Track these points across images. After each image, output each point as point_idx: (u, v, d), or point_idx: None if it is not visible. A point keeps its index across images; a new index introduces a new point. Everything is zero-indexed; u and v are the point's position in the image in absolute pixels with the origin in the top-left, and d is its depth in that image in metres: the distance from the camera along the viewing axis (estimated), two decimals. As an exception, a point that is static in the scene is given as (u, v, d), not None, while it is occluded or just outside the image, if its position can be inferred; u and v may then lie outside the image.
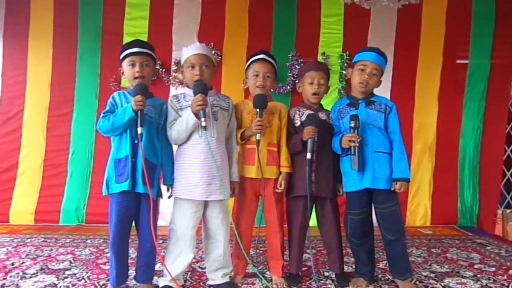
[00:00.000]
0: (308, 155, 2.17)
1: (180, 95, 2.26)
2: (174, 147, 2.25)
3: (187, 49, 2.22)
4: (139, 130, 1.98)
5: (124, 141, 2.07)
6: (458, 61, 4.11)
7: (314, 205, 2.38)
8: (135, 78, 2.12)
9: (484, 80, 4.08)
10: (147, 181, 1.98)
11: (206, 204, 2.22)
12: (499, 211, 4.08)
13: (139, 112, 1.99)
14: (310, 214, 2.33)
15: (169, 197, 2.24)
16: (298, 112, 2.38)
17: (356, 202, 2.26)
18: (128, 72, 2.15)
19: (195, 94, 2.07)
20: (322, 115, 2.36)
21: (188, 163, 2.14)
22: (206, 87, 2.11)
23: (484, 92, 4.08)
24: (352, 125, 2.14)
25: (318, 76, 2.33)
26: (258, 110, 2.20)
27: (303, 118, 2.32)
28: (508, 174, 4.31)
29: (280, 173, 2.33)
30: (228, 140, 2.29)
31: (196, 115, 2.05)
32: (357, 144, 2.12)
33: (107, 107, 2.13)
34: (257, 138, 2.18)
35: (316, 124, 2.22)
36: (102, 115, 2.09)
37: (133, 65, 2.13)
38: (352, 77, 2.32)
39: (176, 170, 2.19)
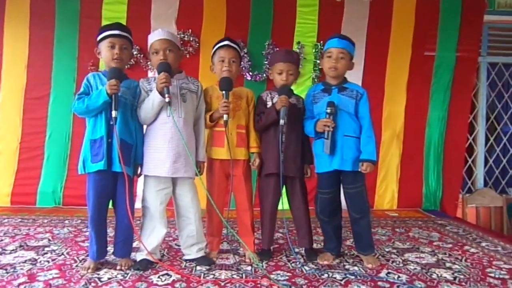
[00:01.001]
0: (281, 122, 2.30)
1: (151, 78, 2.36)
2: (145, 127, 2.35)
3: (151, 36, 2.31)
4: (114, 113, 2.06)
5: (99, 122, 2.14)
6: (426, 53, 4.30)
7: (284, 184, 2.51)
8: (113, 59, 2.18)
9: (449, 72, 4.30)
10: (122, 160, 2.08)
11: (175, 182, 2.32)
12: (461, 196, 4.34)
13: (113, 96, 2.06)
14: (281, 190, 2.46)
15: (139, 175, 2.33)
16: (269, 95, 2.51)
17: (326, 182, 2.41)
18: (107, 54, 2.19)
19: (159, 73, 2.17)
20: (292, 99, 2.47)
21: (155, 141, 2.24)
22: (170, 67, 2.20)
23: (449, 83, 4.31)
24: (329, 111, 2.26)
25: (287, 67, 2.44)
26: (224, 92, 2.31)
27: (274, 100, 2.45)
28: (470, 161, 4.58)
29: (249, 154, 2.48)
30: (196, 122, 2.39)
31: (161, 92, 2.15)
32: (331, 129, 2.26)
33: (82, 89, 2.19)
34: (225, 119, 2.30)
35: (289, 93, 2.36)
36: (76, 97, 2.15)
37: (112, 47, 2.18)
38: (323, 66, 2.46)
39: (145, 148, 2.28)
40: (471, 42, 4.30)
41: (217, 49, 2.45)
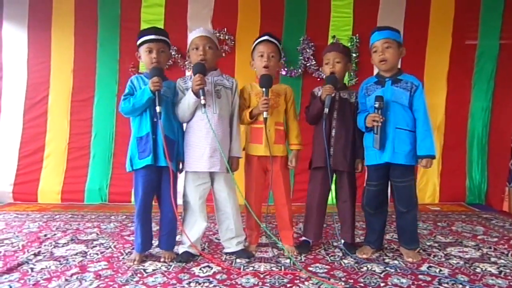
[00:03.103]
0: (325, 110, 2.32)
1: (187, 77, 2.44)
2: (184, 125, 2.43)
3: (192, 33, 2.40)
4: (158, 109, 2.16)
5: (145, 120, 2.25)
6: (467, 42, 4.16)
7: (334, 177, 2.53)
8: (152, 63, 2.27)
9: (493, 60, 4.14)
10: (167, 155, 2.17)
11: (213, 177, 2.40)
12: (507, 189, 4.16)
13: (156, 93, 2.15)
14: (330, 183, 2.48)
15: (180, 171, 2.42)
16: (321, 90, 2.49)
17: (374, 175, 2.40)
18: (145, 58, 2.30)
19: (194, 75, 2.24)
20: (343, 94, 2.48)
21: (193, 138, 2.32)
22: (204, 68, 2.26)
23: (493, 73, 4.14)
24: (376, 105, 2.24)
25: (333, 56, 2.46)
26: (264, 89, 2.34)
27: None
28: (517, 153, 4.38)
29: (287, 150, 2.51)
30: (231, 117, 2.44)
31: (196, 94, 2.21)
32: (380, 124, 2.23)
33: (127, 90, 2.30)
34: (264, 116, 2.33)
35: (334, 83, 2.37)
36: (122, 97, 2.26)
37: (150, 51, 2.28)
38: (373, 63, 2.41)
39: (184, 145, 2.37)
40: (516, 28, 4.11)
41: (256, 44, 2.49)
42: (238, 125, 2.47)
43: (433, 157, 2.25)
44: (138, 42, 2.32)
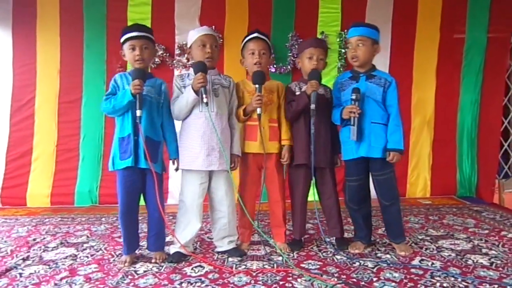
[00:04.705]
0: (312, 106, 2.30)
1: (185, 74, 2.41)
2: (178, 123, 2.40)
3: (197, 30, 2.37)
4: (138, 112, 2.12)
5: (126, 121, 2.21)
6: (455, 36, 4.17)
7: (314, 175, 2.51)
8: (136, 61, 2.24)
9: (481, 53, 4.15)
10: (148, 157, 2.14)
11: (211, 176, 2.37)
12: (497, 181, 4.20)
13: (137, 96, 2.12)
14: (310, 180, 2.47)
15: (176, 169, 2.39)
16: (298, 85, 2.51)
17: (353, 169, 2.41)
18: (129, 56, 2.26)
19: (195, 73, 2.22)
20: (320, 90, 2.46)
21: (189, 136, 2.30)
22: (206, 66, 2.24)
23: (481, 66, 4.15)
24: (354, 97, 2.26)
25: (317, 52, 2.44)
26: (257, 86, 2.33)
27: (303, 90, 2.43)
28: (506, 145, 4.41)
29: (281, 147, 2.48)
30: (229, 117, 2.42)
31: (197, 92, 2.19)
32: (357, 115, 2.24)
33: (109, 89, 2.27)
34: (258, 113, 2.32)
35: (319, 78, 2.35)
36: (104, 97, 2.23)
37: (133, 48, 2.24)
38: (347, 57, 2.45)
39: (180, 144, 2.35)
40: (503, 21, 4.12)
41: (246, 41, 2.47)
42: (237, 124, 2.45)
43: (400, 151, 2.28)
44: (122, 39, 2.28)
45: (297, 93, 2.48)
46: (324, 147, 2.45)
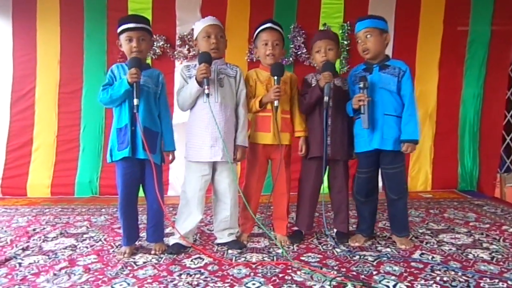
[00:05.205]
0: (325, 98, 2.26)
1: (191, 65, 2.39)
2: (186, 115, 2.39)
3: (202, 21, 2.34)
4: (135, 101, 2.10)
5: (124, 111, 2.19)
6: (459, 28, 4.12)
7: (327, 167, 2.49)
8: (132, 52, 2.21)
9: (484, 47, 4.10)
10: (147, 148, 2.12)
11: (215, 167, 2.36)
12: (498, 175, 4.18)
13: (134, 84, 2.09)
14: (324, 174, 2.45)
15: (171, 161, 2.38)
16: (314, 77, 2.47)
17: (364, 162, 2.39)
18: (126, 47, 2.23)
19: (199, 64, 2.19)
20: (337, 82, 2.43)
21: (194, 127, 2.29)
22: (210, 57, 2.22)
23: (484, 59, 4.11)
24: (361, 85, 2.22)
25: (324, 44, 2.40)
26: (275, 77, 2.29)
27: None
28: (508, 139, 4.38)
29: (292, 139, 2.47)
30: (237, 107, 2.39)
31: (200, 83, 2.17)
32: (365, 103, 2.20)
33: (106, 80, 2.23)
34: (275, 105, 2.29)
35: (332, 70, 2.32)
36: (101, 87, 2.20)
37: (130, 40, 2.20)
38: (359, 52, 2.38)
39: (186, 135, 2.34)
40: (507, 14, 4.06)
41: (259, 32, 2.43)
42: (246, 114, 2.41)
43: (415, 141, 2.24)
44: (118, 30, 2.25)
45: (313, 83, 2.45)
46: (341, 140, 2.42)
